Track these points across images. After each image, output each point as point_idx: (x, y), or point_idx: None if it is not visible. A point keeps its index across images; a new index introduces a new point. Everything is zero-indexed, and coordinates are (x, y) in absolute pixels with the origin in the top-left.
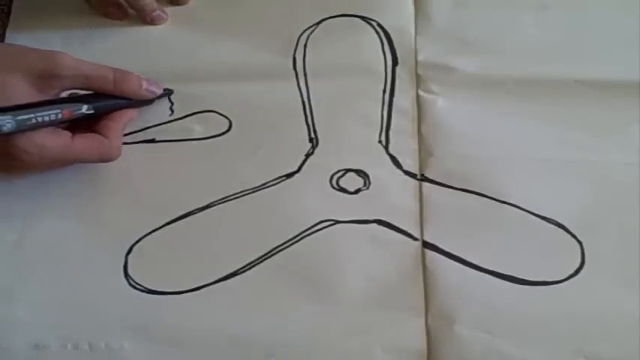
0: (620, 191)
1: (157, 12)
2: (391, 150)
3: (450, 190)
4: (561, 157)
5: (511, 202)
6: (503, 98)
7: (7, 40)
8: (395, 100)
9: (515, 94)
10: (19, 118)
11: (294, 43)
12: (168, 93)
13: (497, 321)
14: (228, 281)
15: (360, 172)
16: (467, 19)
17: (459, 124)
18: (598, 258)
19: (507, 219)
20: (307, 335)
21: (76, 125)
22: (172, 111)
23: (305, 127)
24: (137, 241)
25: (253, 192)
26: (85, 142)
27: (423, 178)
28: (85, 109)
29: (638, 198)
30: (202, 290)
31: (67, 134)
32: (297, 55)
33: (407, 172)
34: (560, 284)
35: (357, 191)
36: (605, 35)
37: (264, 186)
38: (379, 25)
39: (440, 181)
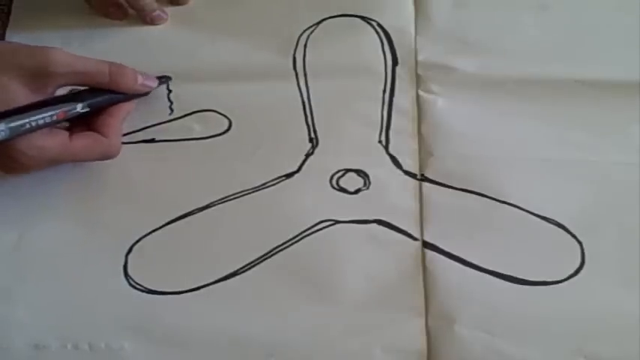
0: (620, 191)
1: (157, 12)
2: (391, 150)
3: (450, 190)
4: (561, 157)
5: (511, 202)
6: (503, 98)
7: (6, 40)
8: (395, 100)
9: (515, 94)
10: (13, 125)
11: (294, 43)
12: (165, 81)
13: (497, 321)
14: (228, 281)
15: (360, 172)
16: (467, 19)
17: (459, 124)
18: (598, 258)
19: (507, 219)
20: (307, 335)
21: (74, 123)
22: (172, 110)
23: (305, 127)
24: (137, 241)
25: (253, 192)
26: (83, 142)
27: (423, 178)
28: (79, 107)
29: (638, 198)
30: (202, 290)
31: (65, 134)
32: (297, 55)
33: (407, 172)
34: (560, 284)
35: (357, 191)
36: (605, 35)
37: (264, 186)
38: (379, 25)
39: (440, 181)
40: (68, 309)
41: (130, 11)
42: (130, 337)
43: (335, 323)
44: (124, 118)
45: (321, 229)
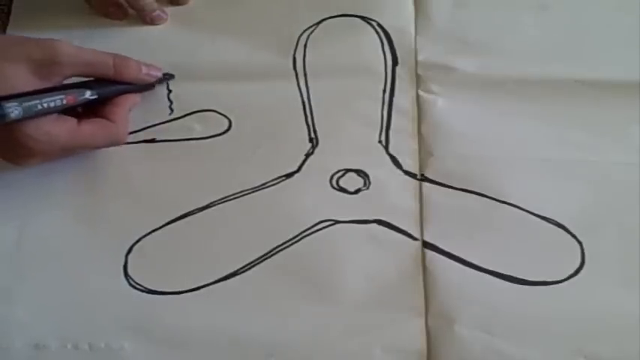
0: (620, 191)
1: (157, 12)
2: (391, 150)
3: (450, 190)
4: (561, 157)
5: (511, 202)
6: (503, 98)
7: None
8: (395, 100)
9: (515, 94)
10: (26, 104)
11: (294, 43)
12: (169, 77)
13: (497, 321)
14: (228, 281)
15: (360, 172)
16: (467, 19)
17: (459, 124)
18: (598, 258)
19: (507, 219)
20: (307, 335)
21: (81, 113)
22: (172, 110)
23: (305, 127)
24: (137, 241)
25: (253, 192)
26: (92, 127)
27: (423, 178)
28: (88, 94)
29: (638, 198)
30: (202, 290)
31: (73, 120)
32: (297, 55)
33: (407, 172)
34: (560, 284)
35: (357, 191)
36: (605, 35)
37: (264, 186)
38: (379, 25)
39: (440, 181)
40: (68, 309)
41: (130, 11)
42: (129, 337)
43: (335, 323)
44: (131, 107)
45: (321, 229)
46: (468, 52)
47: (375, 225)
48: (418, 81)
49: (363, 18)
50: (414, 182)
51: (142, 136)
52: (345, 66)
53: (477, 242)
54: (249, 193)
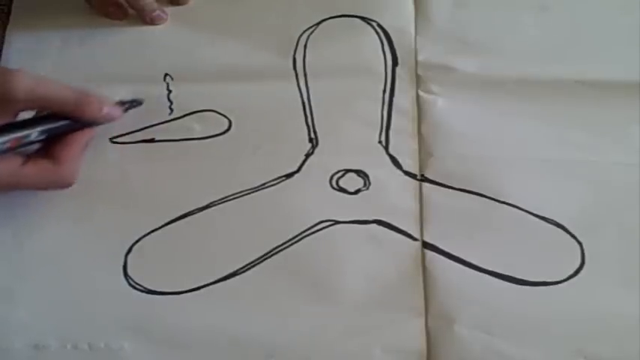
0: (620, 191)
1: (157, 12)
2: (391, 150)
3: (450, 190)
4: (561, 157)
5: (511, 202)
6: (503, 98)
7: (6, 40)
8: (395, 100)
9: (515, 94)
10: None
11: (294, 44)
12: (136, 105)
13: (496, 321)
14: (228, 281)
15: (360, 173)
16: (467, 19)
17: (459, 124)
18: (598, 258)
19: (507, 219)
20: (307, 335)
21: (30, 149)
22: (172, 110)
23: (305, 127)
24: (137, 241)
25: (253, 192)
26: (35, 170)
27: (423, 179)
28: (34, 135)
29: (638, 198)
30: (202, 290)
31: (17, 160)
32: (297, 56)
33: (407, 173)
34: (560, 284)
35: (357, 191)
36: (605, 35)
37: (263, 186)
38: (379, 25)
39: (440, 181)
40: (68, 309)
41: (130, 11)
42: (129, 337)
43: (335, 323)
44: (86, 144)
45: (321, 229)
46: (468, 52)
47: (374, 225)
48: (418, 81)
49: (363, 18)
50: (414, 182)
51: (141, 135)
52: (345, 66)
53: (476, 242)
54: (249, 193)
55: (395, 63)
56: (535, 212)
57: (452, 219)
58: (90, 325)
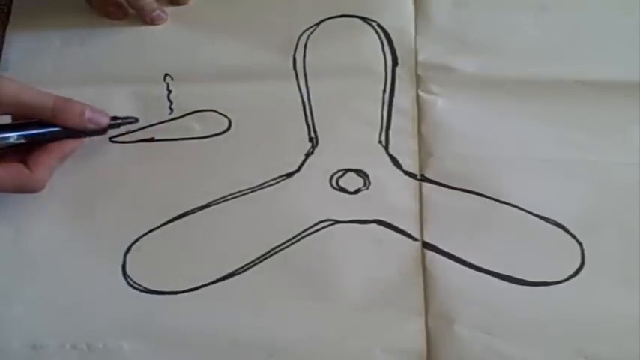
0: (620, 191)
1: (157, 12)
2: (391, 150)
3: (450, 190)
4: (561, 157)
5: (511, 202)
6: (503, 98)
7: (6, 40)
8: (395, 100)
9: (515, 94)
10: None
11: (294, 44)
12: (132, 121)
13: (496, 321)
14: (228, 281)
15: (360, 172)
16: (467, 19)
17: (459, 124)
18: (598, 258)
19: (507, 219)
20: (307, 335)
21: (8, 152)
22: (172, 110)
23: (305, 127)
24: (136, 241)
25: (253, 192)
26: (4, 173)
27: (423, 179)
28: (13, 138)
29: (638, 198)
30: (201, 290)
31: None
32: (297, 56)
33: (407, 173)
34: (560, 285)
35: (356, 191)
36: (605, 35)
37: (263, 186)
38: (379, 25)
39: (440, 181)
40: (66, 308)
41: (130, 11)
42: (128, 337)
43: (335, 323)
44: (65, 156)
45: (320, 229)
46: (468, 52)
47: (375, 225)
48: (418, 81)
49: (363, 18)
50: (414, 182)
51: (140, 135)
52: (345, 66)
53: (476, 242)
54: (249, 193)
55: (395, 63)
56: (535, 212)
57: (452, 219)
58: (88, 324)
